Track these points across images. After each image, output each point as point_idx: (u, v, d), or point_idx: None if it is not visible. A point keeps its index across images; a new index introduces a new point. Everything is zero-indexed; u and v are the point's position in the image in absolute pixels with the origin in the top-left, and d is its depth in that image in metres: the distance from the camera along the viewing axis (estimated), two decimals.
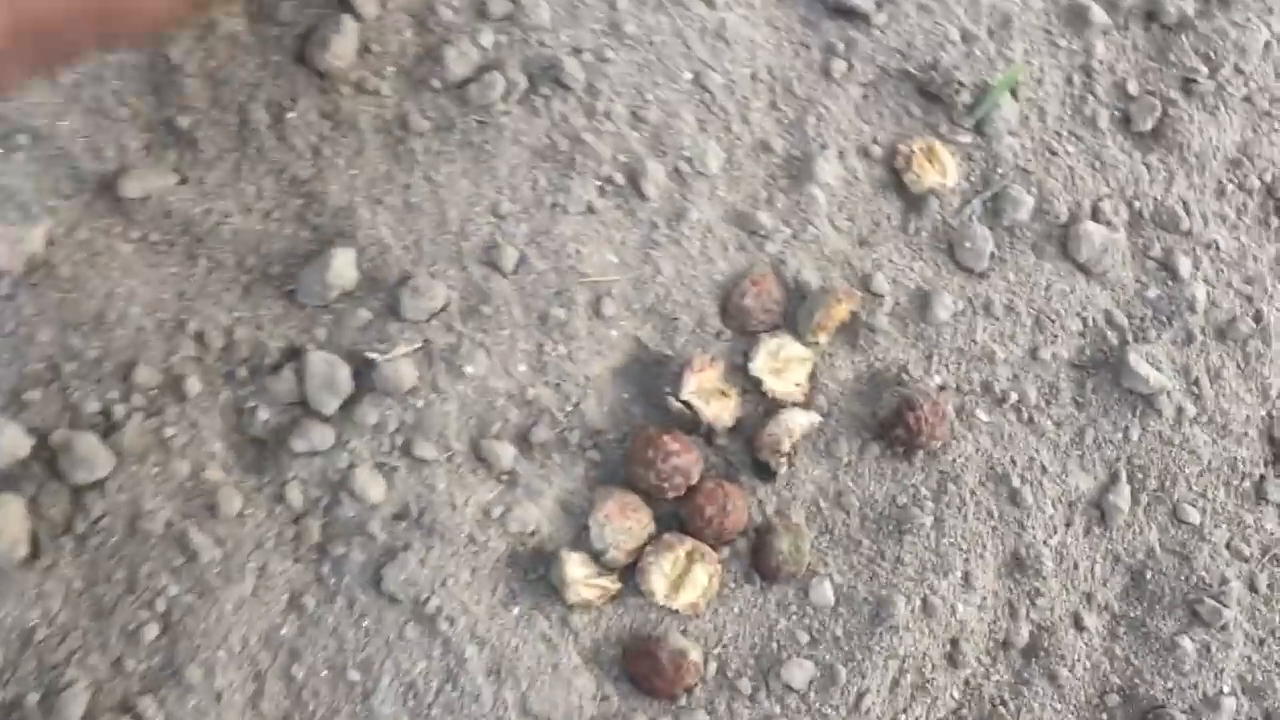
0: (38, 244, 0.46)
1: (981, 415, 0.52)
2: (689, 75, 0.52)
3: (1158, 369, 0.53)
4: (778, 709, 0.48)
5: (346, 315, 0.47)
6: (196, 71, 0.48)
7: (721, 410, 0.50)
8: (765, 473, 0.50)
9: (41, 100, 0.47)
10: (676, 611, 0.48)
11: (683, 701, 0.48)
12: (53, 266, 0.45)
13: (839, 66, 0.54)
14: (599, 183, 0.50)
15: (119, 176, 0.47)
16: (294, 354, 0.47)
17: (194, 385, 0.46)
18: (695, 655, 0.48)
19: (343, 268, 0.46)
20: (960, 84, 0.54)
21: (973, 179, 0.55)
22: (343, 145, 0.49)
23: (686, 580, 0.48)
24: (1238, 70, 0.57)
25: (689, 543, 0.48)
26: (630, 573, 0.49)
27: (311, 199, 0.48)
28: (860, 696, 0.49)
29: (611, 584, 0.48)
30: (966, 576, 0.50)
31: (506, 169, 0.50)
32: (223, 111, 0.48)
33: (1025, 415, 0.53)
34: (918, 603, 0.50)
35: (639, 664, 0.48)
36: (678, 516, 0.49)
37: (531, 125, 0.50)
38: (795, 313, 0.51)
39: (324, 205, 0.48)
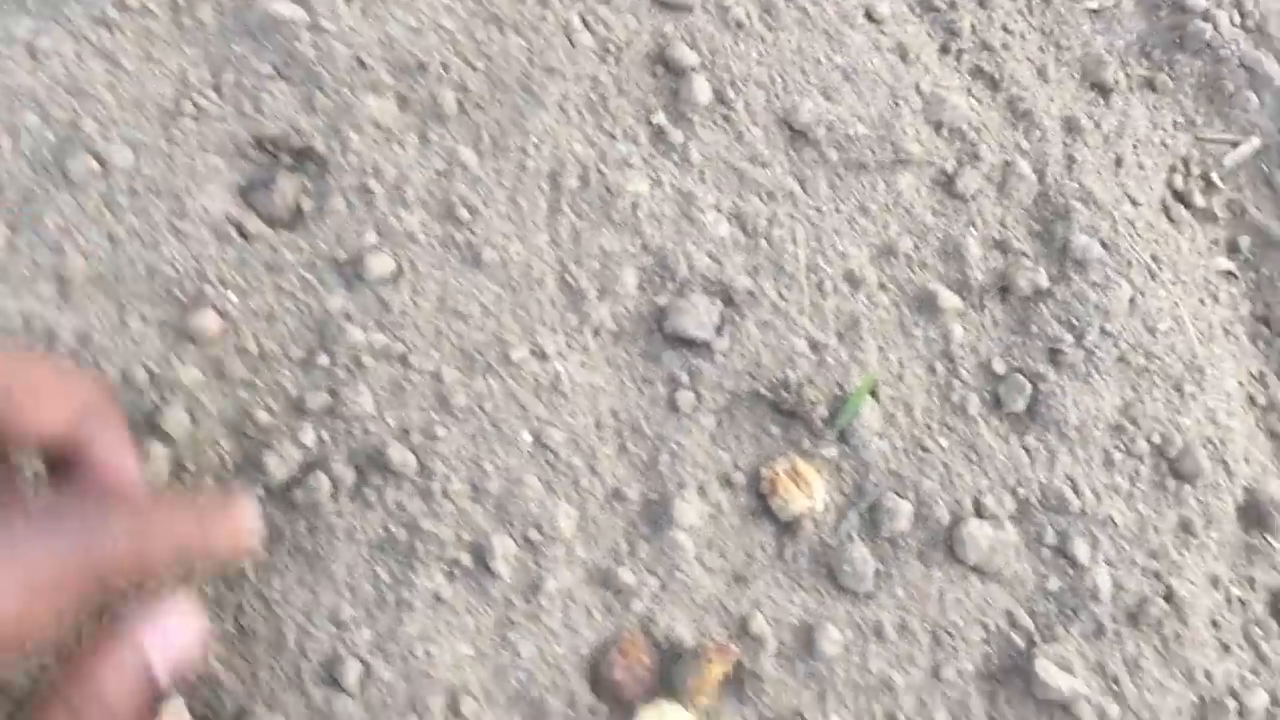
0: None
1: None
2: (528, 436, 0.58)
3: (1069, 672, 0.57)
4: None
5: None
6: None
7: None
8: None
9: None
10: None
11: None
12: None
13: (686, 398, 0.60)
14: (445, 568, 0.55)
15: None
16: None
17: None
18: None
19: None
20: (815, 396, 0.59)
21: (845, 492, 0.60)
22: None
23: None
24: (1104, 332, 0.63)
25: None
26: None
27: None
28: None
29: None
30: None
31: (344, 571, 0.55)
32: None
33: None
34: None
35: None
36: None
37: (365, 519, 0.55)
38: (671, 674, 0.55)
39: None
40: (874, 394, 0.65)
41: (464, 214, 0.64)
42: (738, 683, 0.60)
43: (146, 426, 0.59)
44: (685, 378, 0.64)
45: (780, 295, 0.65)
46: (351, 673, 0.56)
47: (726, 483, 0.63)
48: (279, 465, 0.59)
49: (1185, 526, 0.65)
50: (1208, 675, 0.63)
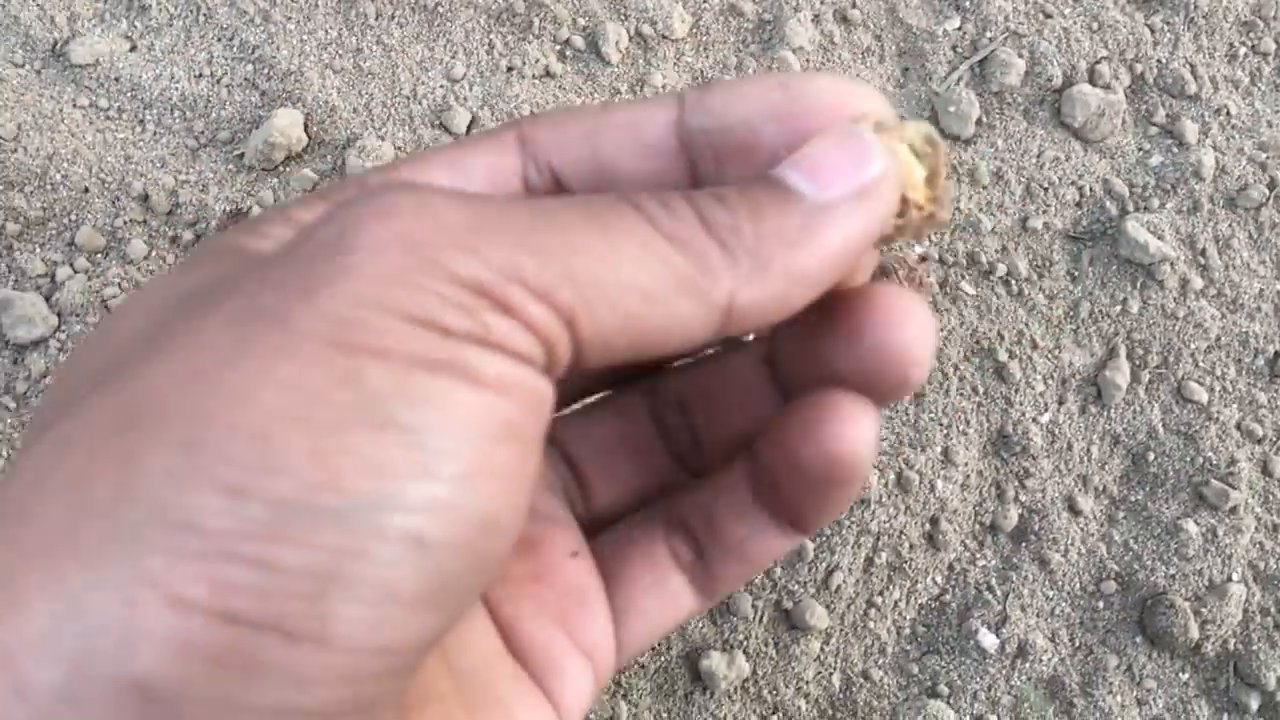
0: None
1: (967, 288, 0.58)
2: None
3: (1159, 238, 0.58)
4: (740, 585, 0.54)
5: (292, 177, 0.54)
6: None
7: None
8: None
9: None
10: None
11: None
12: None
13: None
14: (558, 46, 0.57)
15: (69, 43, 0.55)
16: (239, 216, 0.53)
17: (138, 248, 0.53)
18: None
19: (288, 128, 0.54)
20: None
21: (960, 48, 0.60)
22: (293, 9, 0.56)
23: None
24: None
25: None
26: None
27: (261, 64, 0.56)
28: (830, 573, 0.54)
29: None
30: (946, 453, 0.56)
31: (462, 33, 0.57)
32: None
33: (1015, 288, 0.58)
34: (892, 477, 0.55)
35: None
36: None
37: None
38: None
39: (273, 70, 0.55)
40: None
41: None
42: None
43: None
44: None
45: None
46: (460, 120, 0.59)
47: (842, 18, 0.64)
48: None
49: None
50: None
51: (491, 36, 0.60)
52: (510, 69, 0.60)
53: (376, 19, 0.60)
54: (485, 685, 0.29)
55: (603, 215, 0.22)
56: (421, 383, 0.20)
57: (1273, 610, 0.60)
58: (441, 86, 0.60)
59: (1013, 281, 0.62)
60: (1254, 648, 0.59)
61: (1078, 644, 0.59)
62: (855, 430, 0.27)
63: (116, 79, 0.58)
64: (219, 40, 0.59)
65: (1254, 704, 0.58)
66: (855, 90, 0.25)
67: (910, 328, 0.26)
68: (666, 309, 0.23)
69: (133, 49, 0.59)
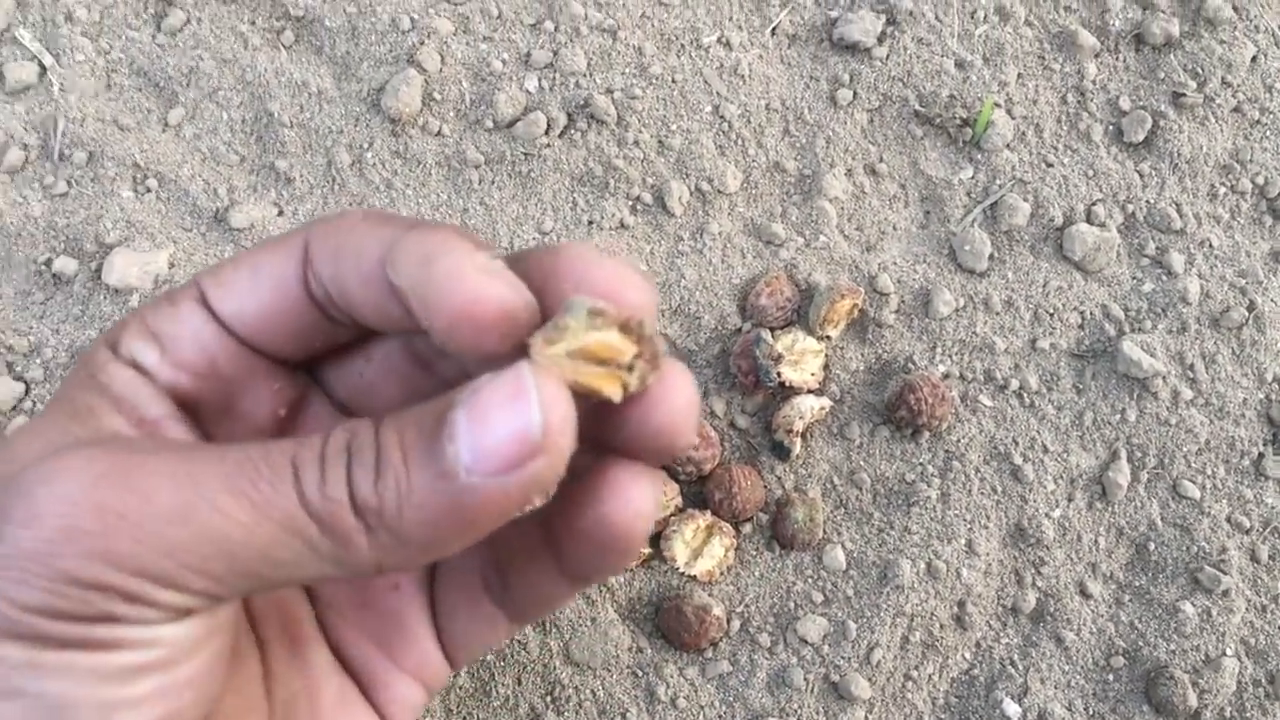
0: (162, 266, 0.66)
1: (985, 401, 0.68)
2: (709, 108, 0.71)
3: (1152, 355, 0.68)
4: (794, 659, 0.64)
5: None
6: (292, 123, 0.68)
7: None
8: (781, 452, 0.66)
9: (167, 151, 0.67)
10: (694, 578, 0.64)
11: (708, 654, 0.64)
12: (173, 283, 0.65)
13: (844, 95, 0.72)
14: (630, 202, 0.69)
15: (229, 210, 0.67)
16: None
17: None
18: (718, 611, 0.64)
19: None
20: (958, 109, 0.71)
21: (973, 194, 0.71)
22: (410, 178, 0.69)
23: (705, 550, 0.64)
24: (1225, 83, 0.73)
25: (709, 517, 0.65)
26: (659, 541, 0.65)
27: None
28: (871, 650, 0.64)
29: (643, 549, 0.64)
30: (970, 544, 0.66)
31: (549, 193, 0.69)
32: (313, 154, 0.69)
33: (1026, 400, 0.68)
34: (922, 566, 0.65)
35: (668, 619, 0.64)
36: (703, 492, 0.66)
37: (570, 155, 0.69)
38: (807, 310, 0.68)
39: None
40: (1009, 113, 0.76)
41: None
42: (861, 327, 0.73)
43: (406, 60, 0.74)
44: (846, 78, 0.76)
45: (937, 18, 0.77)
46: None
47: (871, 171, 0.76)
48: (506, 104, 0.73)
49: (1276, 256, 0.75)
50: (1277, 380, 0.73)
51: (574, 195, 0.73)
52: (590, 222, 0.72)
53: (479, 183, 0.73)
54: (308, 708, 0.35)
55: (256, 489, 0.28)
56: (45, 656, 0.26)
57: (1263, 681, 0.68)
58: (534, 238, 0.72)
59: (1025, 394, 0.72)
60: (1247, 714, 0.68)
61: (1091, 712, 0.68)
62: (632, 499, 0.32)
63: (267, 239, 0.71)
64: (350, 204, 0.72)
65: None
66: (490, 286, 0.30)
67: (682, 396, 0.32)
68: (315, 570, 0.28)
69: (280, 214, 0.72)
